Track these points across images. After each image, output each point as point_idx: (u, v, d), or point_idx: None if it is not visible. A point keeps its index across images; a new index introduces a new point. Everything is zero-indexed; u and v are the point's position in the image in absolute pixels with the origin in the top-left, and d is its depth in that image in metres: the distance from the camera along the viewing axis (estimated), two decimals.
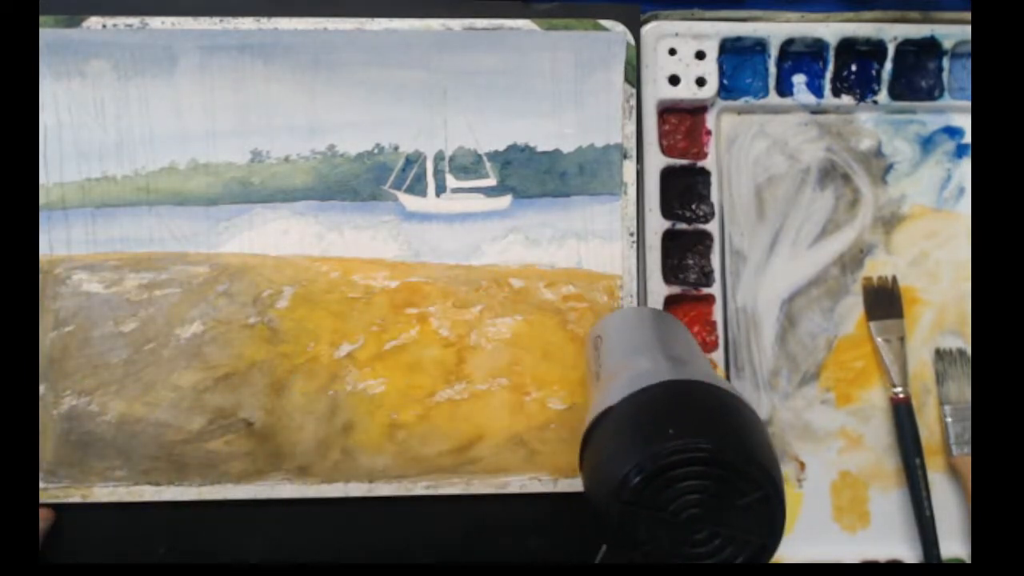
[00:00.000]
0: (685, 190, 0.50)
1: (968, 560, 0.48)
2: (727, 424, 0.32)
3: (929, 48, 0.51)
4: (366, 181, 0.48)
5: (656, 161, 0.49)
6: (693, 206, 0.50)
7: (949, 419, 0.49)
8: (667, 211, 0.49)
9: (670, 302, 0.49)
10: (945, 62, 0.50)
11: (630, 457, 0.30)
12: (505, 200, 0.49)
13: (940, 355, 0.50)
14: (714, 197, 0.49)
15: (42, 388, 0.46)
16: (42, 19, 0.46)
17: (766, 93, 0.50)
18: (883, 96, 0.50)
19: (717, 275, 0.49)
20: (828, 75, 0.50)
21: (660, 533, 0.31)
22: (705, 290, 0.49)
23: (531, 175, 0.49)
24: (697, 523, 0.31)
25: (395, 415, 0.47)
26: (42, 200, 0.47)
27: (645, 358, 0.38)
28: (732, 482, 0.31)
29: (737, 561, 0.31)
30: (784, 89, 0.50)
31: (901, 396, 0.49)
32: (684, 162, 0.49)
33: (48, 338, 0.46)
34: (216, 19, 0.47)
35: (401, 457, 0.47)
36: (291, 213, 0.48)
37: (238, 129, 0.48)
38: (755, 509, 0.31)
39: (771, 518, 0.31)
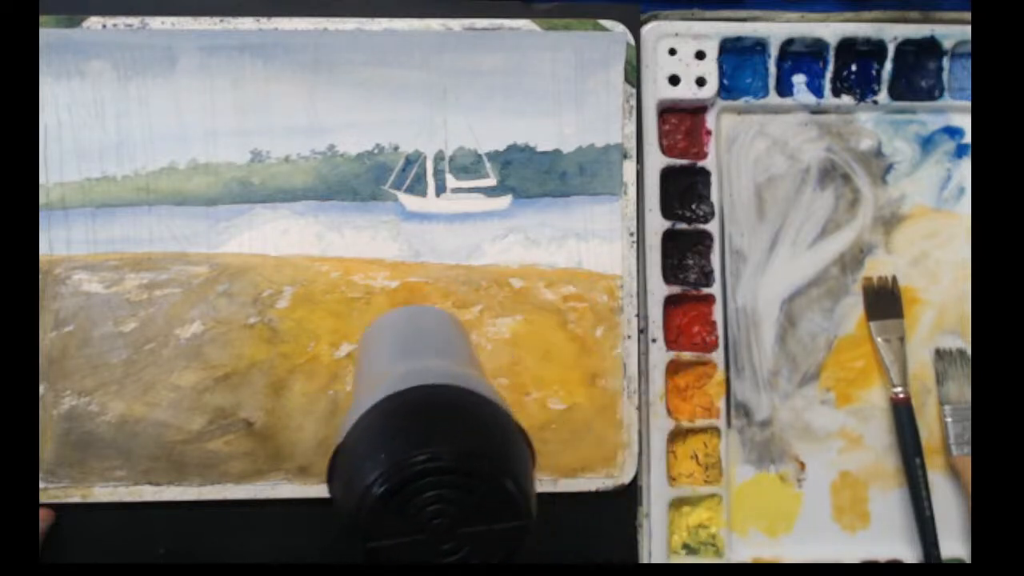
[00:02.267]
0: (685, 190, 0.50)
1: (968, 560, 0.48)
2: (470, 428, 0.31)
3: (929, 48, 0.51)
4: (366, 181, 0.48)
5: (656, 161, 0.49)
6: (693, 206, 0.50)
7: (949, 419, 0.49)
8: (667, 211, 0.49)
9: (670, 302, 0.49)
10: (945, 62, 0.50)
11: (373, 470, 0.29)
12: (505, 200, 0.49)
13: (940, 355, 0.50)
14: (714, 197, 0.49)
15: (42, 388, 0.46)
16: (42, 19, 0.46)
17: (766, 93, 0.50)
18: (883, 96, 0.50)
19: (717, 275, 0.49)
20: (828, 75, 0.50)
21: (407, 532, 0.30)
22: (705, 290, 0.49)
23: (531, 175, 0.49)
24: (444, 532, 0.30)
25: None
26: (42, 200, 0.47)
27: (389, 368, 0.36)
28: (476, 488, 0.30)
29: (469, 567, 0.31)
30: (784, 89, 0.50)
31: (901, 396, 0.49)
32: (684, 162, 0.49)
33: (48, 338, 0.46)
34: (216, 19, 0.47)
35: None
36: (291, 213, 0.48)
37: (238, 129, 0.48)
38: (506, 533, 0.30)
39: (511, 536, 0.31)
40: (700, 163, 0.49)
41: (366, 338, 0.43)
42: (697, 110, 0.50)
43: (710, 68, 0.49)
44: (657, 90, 0.49)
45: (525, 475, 0.31)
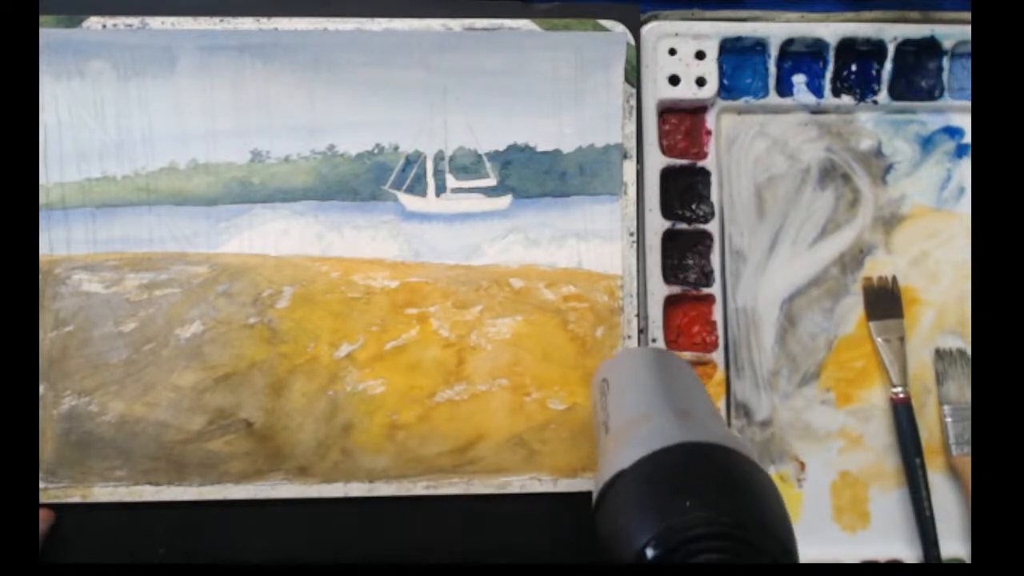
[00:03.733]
0: (685, 190, 0.50)
1: (968, 560, 0.48)
2: (744, 494, 0.31)
3: (929, 48, 0.51)
4: (366, 181, 0.48)
5: (656, 161, 0.49)
6: (693, 206, 0.50)
7: (949, 419, 0.49)
8: (667, 211, 0.49)
9: (670, 302, 0.49)
10: (945, 62, 0.51)
11: (646, 529, 0.30)
12: (505, 200, 0.49)
13: (940, 355, 0.50)
14: (714, 197, 0.49)
15: (42, 388, 0.46)
16: (42, 19, 0.46)
17: (766, 93, 0.50)
18: (883, 96, 0.50)
19: (717, 275, 0.49)
20: (828, 75, 0.50)
21: None
22: (705, 290, 0.49)
23: (531, 175, 0.49)
24: None
25: (395, 415, 0.47)
26: (42, 200, 0.47)
27: (656, 413, 0.36)
28: (748, 555, 0.29)
29: None
30: (784, 89, 0.50)
31: (901, 396, 0.49)
32: (684, 162, 0.49)
33: (48, 338, 0.46)
34: (216, 19, 0.47)
35: (401, 457, 0.47)
36: (291, 213, 0.48)
37: (238, 129, 0.48)
38: None
39: None
40: (700, 163, 0.49)
41: (611, 377, 0.42)
42: (697, 110, 0.50)
43: (710, 68, 0.49)
44: (657, 90, 0.49)
45: (785, 534, 0.31)
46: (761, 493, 0.32)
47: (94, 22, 0.46)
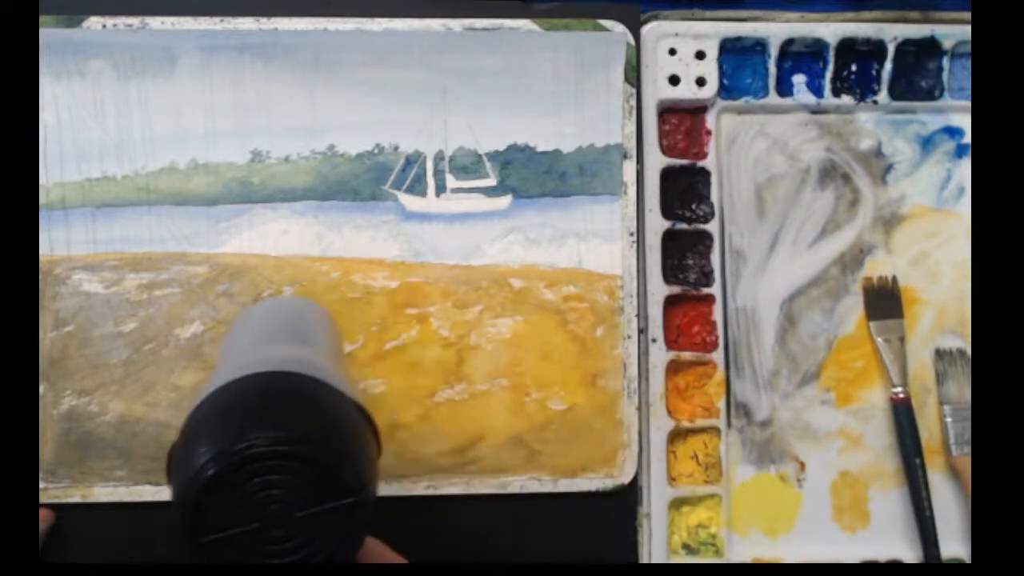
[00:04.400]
0: (685, 190, 0.50)
1: (968, 560, 0.48)
2: (309, 415, 0.31)
3: (929, 48, 0.51)
4: (366, 181, 0.48)
5: (656, 161, 0.49)
6: (693, 206, 0.50)
7: (949, 419, 0.49)
8: (667, 211, 0.49)
9: (670, 302, 0.49)
10: (945, 62, 0.51)
11: (206, 451, 0.29)
12: (505, 200, 0.49)
13: (940, 355, 0.50)
14: (714, 197, 0.49)
15: (42, 388, 0.46)
16: (42, 19, 0.46)
17: (766, 93, 0.50)
18: (883, 96, 0.50)
19: (717, 275, 0.49)
20: (828, 75, 0.50)
21: (238, 521, 0.29)
22: (705, 290, 0.49)
23: (531, 175, 0.49)
24: (278, 519, 0.29)
25: (395, 415, 0.47)
26: (42, 200, 0.47)
27: (249, 350, 0.36)
28: (318, 482, 0.29)
29: (310, 564, 0.30)
30: (784, 89, 0.50)
31: (901, 396, 0.49)
32: (684, 162, 0.49)
33: (48, 338, 0.46)
34: (216, 19, 0.47)
35: (401, 457, 0.47)
36: (291, 213, 0.48)
37: (238, 129, 0.48)
38: (338, 515, 0.30)
39: (351, 526, 0.30)
40: (700, 163, 0.49)
41: (232, 326, 0.43)
42: (697, 110, 0.50)
43: (710, 68, 0.49)
44: (657, 90, 0.49)
45: (357, 455, 0.31)
46: (315, 409, 0.31)
47: (94, 22, 0.46)
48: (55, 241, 0.47)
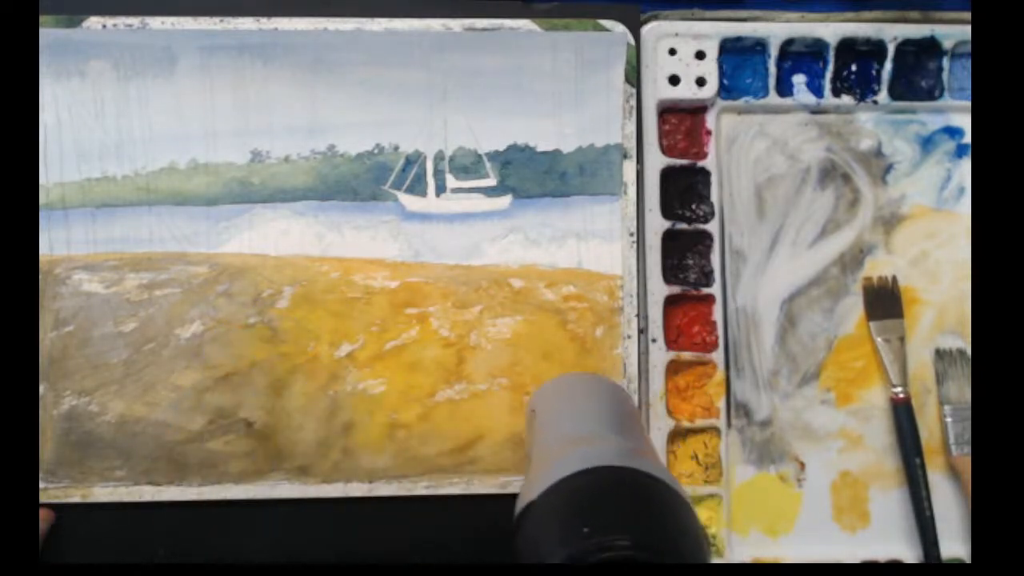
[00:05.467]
0: (685, 190, 0.50)
1: (968, 560, 0.48)
2: (647, 513, 0.31)
3: (929, 48, 0.51)
4: (366, 181, 0.48)
5: (656, 161, 0.49)
6: (693, 206, 0.50)
7: (949, 419, 0.49)
8: (667, 211, 0.49)
9: (670, 302, 0.49)
10: (945, 62, 0.50)
11: (553, 558, 0.29)
12: (505, 200, 0.49)
13: (940, 355, 0.50)
14: (714, 197, 0.49)
15: (42, 388, 0.46)
16: (42, 19, 0.46)
17: (766, 93, 0.50)
18: (883, 96, 0.50)
19: (717, 275, 0.49)
20: (828, 75, 0.50)
21: None
22: (705, 290, 0.49)
23: (531, 175, 0.49)
24: None
25: (395, 415, 0.47)
26: (42, 200, 0.47)
27: (569, 443, 0.36)
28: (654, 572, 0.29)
29: None
30: (784, 89, 0.50)
31: (901, 396, 0.49)
32: (684, 162, 0.49)
33: (48, 338, 0.46)
34: (216, 19, 0.47)
35: (401, 457, 0.47)
36: (291, 213, 0.48)
37: (238, 129, 0.48)
38: None
39: None
40: (700, 163, 0.49)
41: (540, 404, 0.42)
42: (697, 110, 0.50)
43: (710, 68, 0.49)
44: (657, 90, 0.49)
45: (703, 556, 0.31)
46: (666, 509, 0.32)
47: (94, 22, 0.46)
48: (55, 241, 0.47)
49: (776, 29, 0.50)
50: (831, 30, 0.50)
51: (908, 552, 0.49)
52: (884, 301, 0.50)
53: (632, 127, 0.49)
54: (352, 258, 0.48)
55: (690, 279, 0.50)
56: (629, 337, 0.48)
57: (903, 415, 0.49)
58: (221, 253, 0.48)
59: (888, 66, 0.50)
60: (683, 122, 0.50)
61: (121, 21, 0.47)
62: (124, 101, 0.47)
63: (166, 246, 0.47)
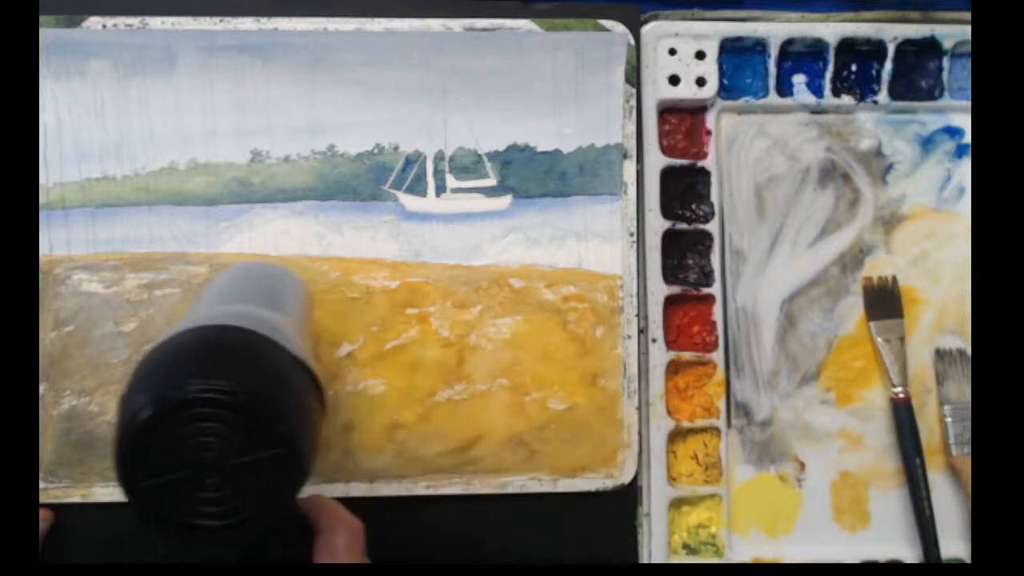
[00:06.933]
0: (685, 190, 0.50)
1: (968, 560, 0.48)
2: (259, 373, 0.31)
3: (929, 48, 0.51)
4: (366, 181, 0.48)
5: (656, 161, 0.49)
6: (693, 206, 0.50)
7: (949, 419, 0.49)
8: (667, 211, 0.49)
9: (670, 302, 0.49)
10: (945, 62, 0.51)
11: (145, 394, 0.30)
12: (505, 200, 0.49)
13: (940, 355, 0.50)
14: (714, 197, 0.49)
15: (42, 388, 0.46)
16: (42, 19, 0.46)
17: (766, 93, 0.50)
18: (883, 96, 0.50)
19: (717, 275, 0.49)
20: (828, 75, 0.50)
21: (172, 468, 0.30)
22: (705, 290, 0.49)
23: (531, 175, 0.49)
24: (210, 468, 0.30)
25: (395, 415, 0.47)
26: (42, 200, 0.47)
27: (210, 306, 0.37)
28: (251, 433, 0.30)
29: (242, 520, 0.30)
30: (784, 89, 0.50)
31: (901, 396, 0.49)
32: (684, 162, 0.49)
33: (48, 338, 0.46)
34: (216, 19, 0.47)
35: (401, 457, 0.47)
36: (291, 213, 0.48)
37: (238, 129, 0.48)
38: (270, 467, 0.30)
39: (283, 481, 0.31)
40: (700, 163, 0.49)
41: (210, 283, 0.43)
42: (697, 110, 0.50)
43: (710, 68, 0.49)
44: (657, 90, 0.49)
45: (292, 409, 0.31)
46: (268, 367, 0.32)
47: (94, 22, 0.46)
48: (55, 241, 0.47)
49: (776, 29, 0.50)
50: (831, 30, 0.50)
51: (908, 552, 0.49)
52: (884, 301, 0.50)
53: (632, 127, 0.49)
54: (352, 258, 0.48)
55: (690, 279, 0.50)
56: (629, 337, 0.48)
57: (903, 415, 0.49)
58: (221, 253, 0.48)
59: (888, 66, 0.50)
60: (683, 122, 0.50)
61: (121, 21, 0.47)
62: (124, 101, 0.47)
63: (166, 246, 0.47)
